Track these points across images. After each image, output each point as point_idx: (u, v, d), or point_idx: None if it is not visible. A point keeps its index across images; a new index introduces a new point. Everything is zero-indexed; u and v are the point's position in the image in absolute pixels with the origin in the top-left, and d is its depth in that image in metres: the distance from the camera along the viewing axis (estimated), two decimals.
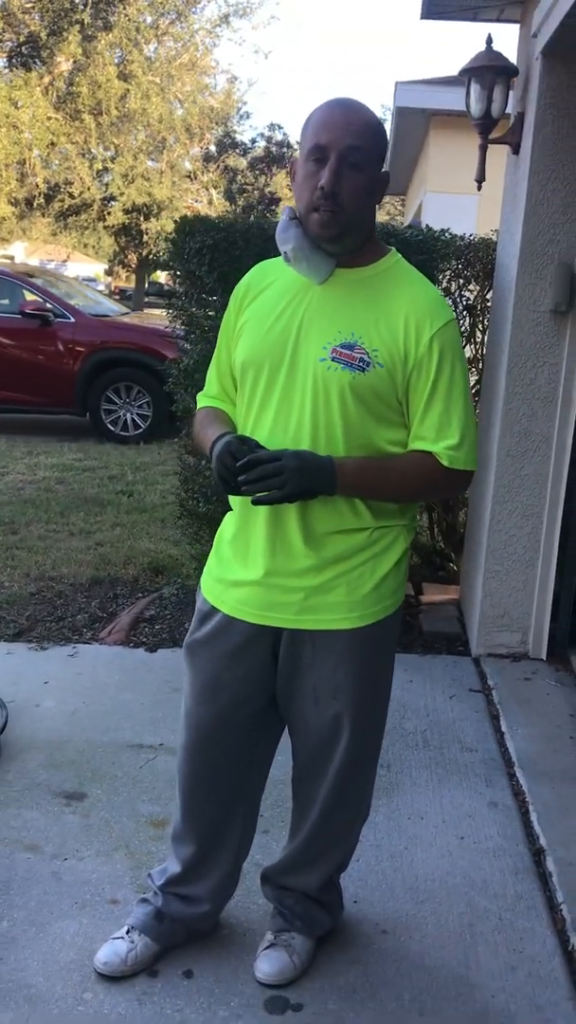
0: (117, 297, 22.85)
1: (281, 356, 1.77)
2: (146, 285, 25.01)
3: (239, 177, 25.07)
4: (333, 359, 1.72)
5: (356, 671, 1.87)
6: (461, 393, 1.76)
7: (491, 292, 4.31)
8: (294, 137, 32.63)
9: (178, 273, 4.10)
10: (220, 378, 2.00)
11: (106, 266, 35.08)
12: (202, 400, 2.04)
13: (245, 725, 1.96)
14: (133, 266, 24.24)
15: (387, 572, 1.85)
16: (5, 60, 17.24)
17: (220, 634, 1.91)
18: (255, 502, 1.71)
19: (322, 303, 1.77)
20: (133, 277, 27.10)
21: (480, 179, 3.90)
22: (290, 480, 1.67)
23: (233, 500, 1.91)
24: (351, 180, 1.68)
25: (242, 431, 1.85)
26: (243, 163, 25.61)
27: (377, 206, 1.80)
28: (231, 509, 1.94)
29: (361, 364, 1.71)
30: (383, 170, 1.76)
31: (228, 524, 1.95)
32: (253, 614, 1.85)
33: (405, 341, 1.72)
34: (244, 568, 1.86)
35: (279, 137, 26.33)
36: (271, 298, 1.83)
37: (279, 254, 1.81)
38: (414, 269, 1.82)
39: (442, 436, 1.75)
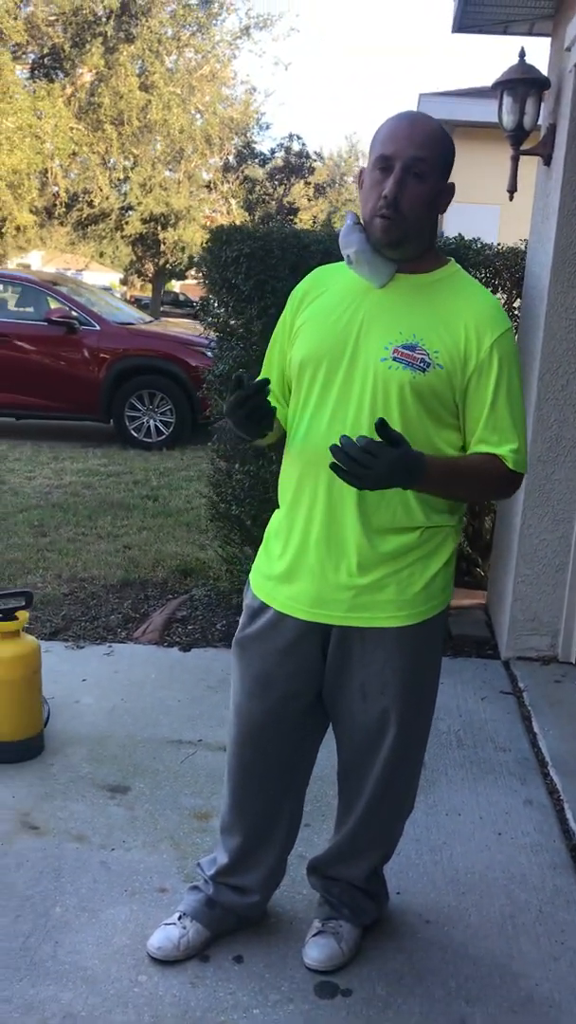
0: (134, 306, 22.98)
1: (341, 354, 1.82)
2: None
3: (258, 187, 25.20)
4: (395, 358, 1.77)
5: (404, 668, 1.91)
6: (518, 399, 1.82)
7: (519, 300, 4.38)
8: (312, 147, 32.80)
9: (212, 281, 4.17)
10: (269, 378, 2.04)
11: (121, 275, 35.29)
12: None
13: (294, 720, 2.01)
14: (149, 275, 24.40)
15: (436, 571, 1.90)
16: (28, 72, 17.43)
17: (271, 630, 1.96)
18: (332, 466, 1.63)
19: (382, 305, 1.83)
20: (148, 286, 27.28)
21: (512, 190, 3.96)
22: (374, 476, 1.62)
23: (284, 497, 1.95)
24: (413, 190, 1.75)
25: (296, 428, 1.89)
26: (262, 173, 25.75)
27: (441, 216, 1.86)
28: (263, 512, 1.98)
29: (422, 364, 1.77)
30: (448, 182, 1.82)
31: (277, 520, 1.99)
32: (304, 611, 1.90)
33: (466, 345, 1.78)
34: (295, 565, 1.90)
35: (298, 147, 26.47)
36: (331, 300, 1.89)
37: (314, 263, 1.87)
38: (473, 279, 1.88)
39: (505, 440, 1.81)
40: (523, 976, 2.11)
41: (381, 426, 1.61)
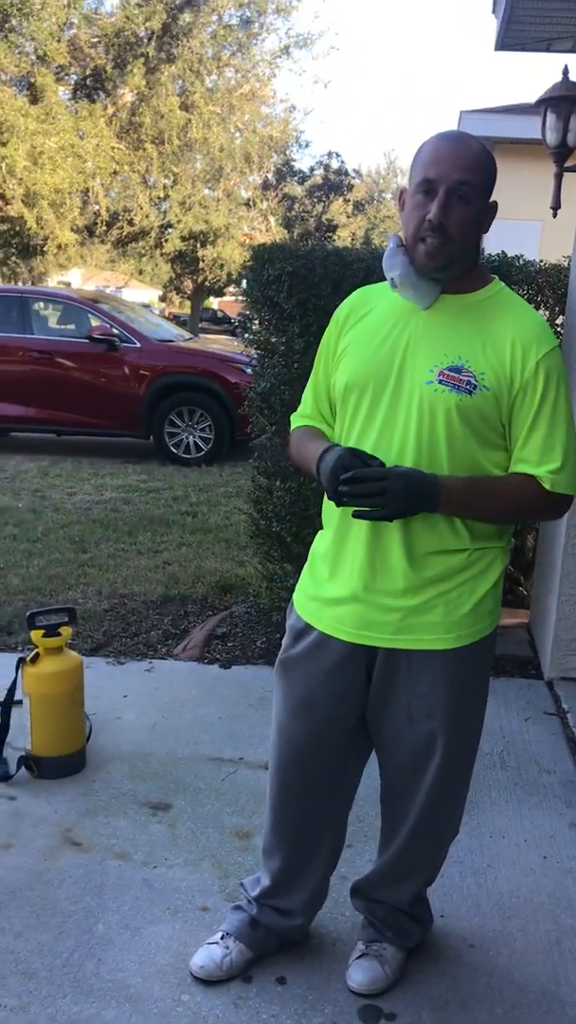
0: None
1: (386, 378, 1.82)
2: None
3: (296, 205, 25.34)
4: (440, 381, 1.76)
5: (452, 691, 1.89)
6: (564, 418, 1.79)
7: (562, 318, 4.35)
8: (351, 165, 32.93)
9: (253, 299, 4.19)
10: (316, 399, 2.04)
11: (160, 292, 35.62)
12: (296, 420, 2.09)
13: (337, 741, 2.00)
14: (188, 292, 24.60)
15: (485, 593, 1.88)
16: (71, 92, 17.70)
17: (316, 651, 1.95)
18: (355, 515, 1.75)
19: (428, 327, 1.82)
20: (186, 303, 27.50)
21: (555, 207, 3.95)
22: (392, 501, 1.70)
23: (329, 518, 1.95)
24: (458, 213, 1.74)
25: None
26: (300, 191, 25.89)
27: (484, 235, 1.85)
28: (303, 529, 1.98)
29: (468, 387, 1.76)
30: (491, 200, 1.81)
31: (323, 541, 1.98)
32: (350, 632, 1.89)
33: (512, 365, 1.76)
34: (341, 587, 1.89)
35: (336, 165, 26.60)
36: (375, 321, 1.88)
37: (356, 281, 1.87)
38: (518, 296, 1.87)
39: (545, 460, 1.78)
40: (571, 1004, 2.07)
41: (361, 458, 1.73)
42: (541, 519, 1.92)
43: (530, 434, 1.79)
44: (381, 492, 1.70)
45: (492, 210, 1.81)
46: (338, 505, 1.78)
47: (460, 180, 1.72)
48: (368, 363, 1.84)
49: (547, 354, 1.77)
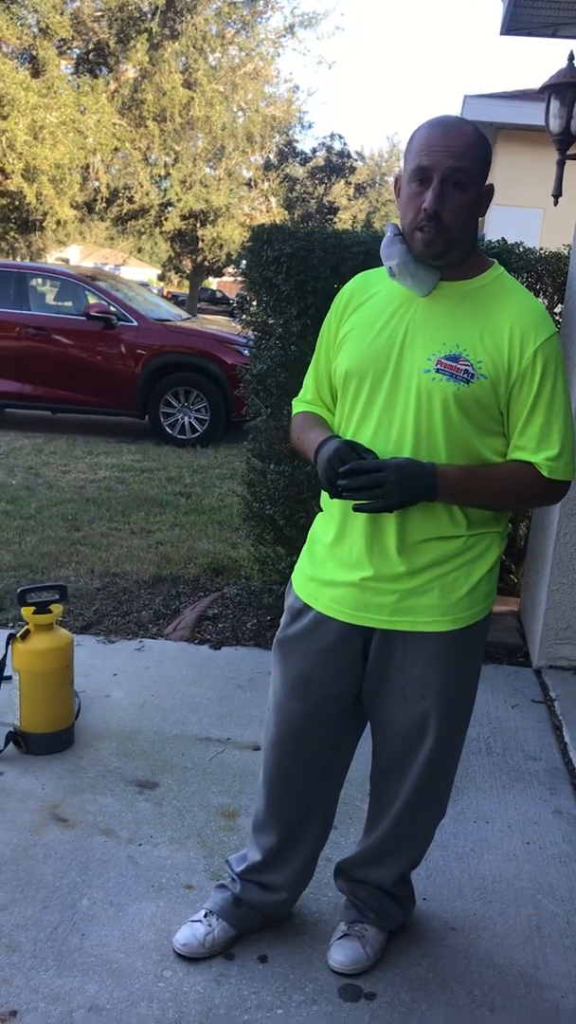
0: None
1: (385, 366, 1.82)
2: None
3: (298, 186, 25.21)
4: (438, 370, 1.77)
5: (446, 673, 1.91)
6: (562, 405, 1.80)
7: (561, 306, 4.34)
8: (354, 147, 32.73)
9: (252, 280, 4.17)
10: (317, 385, 2.05)
11: (159, 271, 35.46)
12: (297, 405, 2.10)
13: (332, 721, 2.02)
14: (187, 272, 24.50)
15: (481, 577, 1.90)
16: (73, 67, 17.55)
17: (312, 631, 1.96)
18: (356, 509, 1.77)
19: (426, 315, 1.82)
20: (185, 283, 27.39)
21: (557, 194, 3.94)
22: (390, 493, 1.72)
23: (328, 502, 1.97)
24: (454, 200, 1.73)
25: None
26: (302, 172, 25.75)
27: (481, 218, 1.85)
28: (296, 512, 1.99)
29: (466, 376, 1.76)
30: (487, 183, 1.80)
31: (322, 525, 1.99)
32: (347, 613, 1.90)
33: (509, 353, 1.77)
34: (340, 569, 1.91)
35: (339, 147, 26.44)
36: (374, 309, 1.88)
37: (355, 264, 1.87)
38: (517, 282, 1.86)
39: (542, 447, 1.79)
40: (549, 987, 2.10)
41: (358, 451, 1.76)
42: (539, 505, 1.93)
43: (528, 421, 1.79)
44: (379, 484, 1.72)
45: (488, 193, 1.80)
46: (332, 497, 1.80)
47: (454, 167, 1.71)
48: (367, 351, 1.85)
49: (545, 341, 1.77)
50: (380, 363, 1.82)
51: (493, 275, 1.84)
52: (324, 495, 1.98)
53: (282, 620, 2.05)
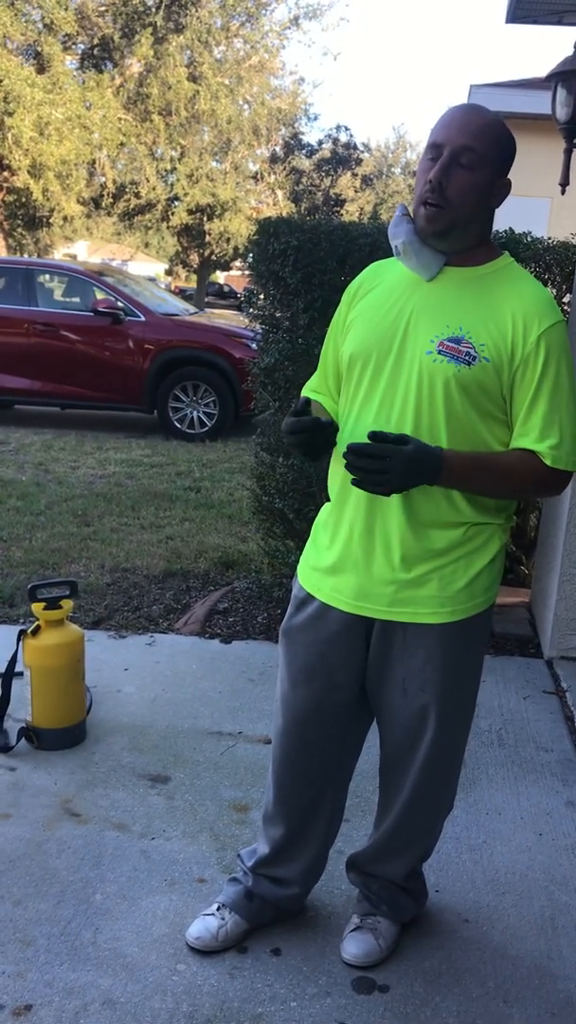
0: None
1: (388, 348, 1.82)
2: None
3: (304, 178, 25.14)
4: (440, 352, 1.76)
5: (445, 665, 1.91)
6: (566, 393, 1.78)
7: (569, 296, 4.32)
8: (360, 139, 32.61)
9: (258, 273, 4.16)
10: (323, 372, 2.06)
11: (166, 266, 35.45)
12: (304, 392, 2.10)
13: (338, 711, 2.02)
14: (194, 266, 24.48)
15: (481, 569, 1.89)
16: (78, 62, 17.53)
17: (316, 621, 1.96)
18: (354, 483, 1.73)
19: (431, 298, 1.81)
20: (192, 277, 27.37)
21: (564, 183, 3.92)
22: (394, 479, 1.69)
23: (332, 490, 1.96)
24: (460, 178, 1.73)
25: (344, 422, 1.90)
26: (308, 164, 25.68)
27: (495, 211, 1.83)
28: (306, 505, 1.99)
29: (468, 358, 1.75)
30: (506, 177, 1.78)
31: (326, 513, 1.99)
32: (347, 603, 1.91)
33: (513, 338, 1.76)
34: (340, 557, 1.91)
35: (345, 139, 26.35)
36: (381, 293, 1.88)
37: (362, 256, 1.87)
38: (526, 272, 1.85)
39: (546, 435, 1.77)
40: (563, 978, 2.09)
41: (375, 436, 1.68)
42: (541, 495, 1.91)
43: (531, 409, 1.78)
44: (383, 470, 1.68)
45: (505, 187, 1.78)
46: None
47: (464, 145, 1.71)
48: (372, 333, 1.85)
49: (550, 328, 1.76)
50: (384, 345, 1.82)
51: (502, 264, 1.84)
52: (330, 483, 1.98)
53: (288, 610, 2.05)
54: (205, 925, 2.13)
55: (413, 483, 1.74)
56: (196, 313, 10.41)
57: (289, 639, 2.03)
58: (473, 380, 1.76)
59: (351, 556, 1.89)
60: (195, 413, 8.86)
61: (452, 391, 1.76)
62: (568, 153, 3.88)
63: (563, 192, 3.96)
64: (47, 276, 9.53)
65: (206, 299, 25.15)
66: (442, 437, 1.78)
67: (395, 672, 1.93)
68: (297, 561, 4.14)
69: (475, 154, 1.72)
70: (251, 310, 4.32)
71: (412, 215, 1.82)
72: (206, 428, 8.82)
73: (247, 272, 4.38)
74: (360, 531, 1.87)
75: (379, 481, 1.70)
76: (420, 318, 1.80)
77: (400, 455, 1.69)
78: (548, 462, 1.78)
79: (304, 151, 25.35)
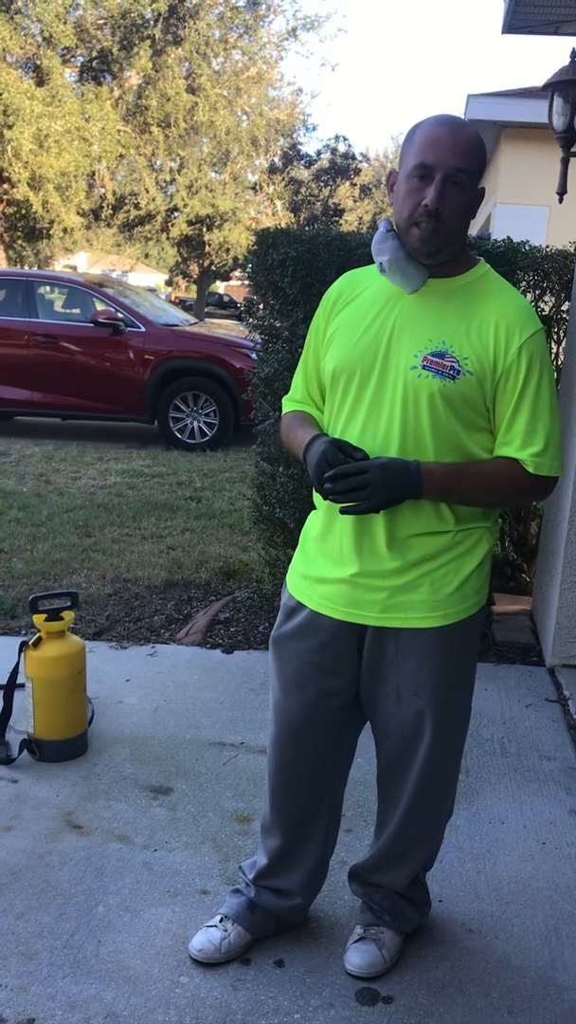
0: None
1: (372, 363, 1.83)
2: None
3: (303, 189, 25.22)
4: (424, 367, 1.77)
5: (439, 670, 1.91)
6: (548, 401, 1.80)
7: (568, 304, 4.33)
8: (358, 148, 32.71)
9: (258, 284, 4.17)
10: (306, 383, 2.05)
11: (166, 277, 35.54)
12: (287, 404, 2.10)
13: (330, 718, 2.02)
14: (194, 277, 24.55)
15: (470, 572, 1.90)
16: (77, 75, 17.61)
17: (306, 629, 1.97)
18: (343, 511, 1.78)
19: (413, 312, 1.82)
20: (192, 288, 27.44)
21: (562, 192, 3.93)
22: (376, 493, 1.73)
23: (319, 499, 1.98)
24: (454, 199, 1.74)
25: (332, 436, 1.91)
26: (307, 175, 25.76)
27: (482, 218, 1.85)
28: (306, 515, 2.00)
29: (451, 372, 1.76)
30: (480, 186, 1.81)
31: (314, 522, 2.00)
32: (338, 610, 1.91)
33: (495, 349, 1.77)
34: (331, 566, 1.91)
35: (343, 149, 26.42)
36: (362, 306, 1.89)
37: (362, 265, 1.87)
38: (503, 279, 1.87)
39: (528, 443, 1.79)
40: (567, 988, 2.08)
41: (341, 448, 1.77)
42: (526, 502, 1.93)
43: (514, 417, 1.79)
44: (364, 485, 1.74)
45: (480, 195, 1.82)
46: (324, 498, 1.82)
47: (457, 167, 1.72)
48: (355, 348, 1.85)
49: (530, 338, 1.77)
50: (367, 360, 1.83)
51: (479, 272, 1.85)
52: (315, 492, 1.99)
53: (278, 618, 2.05)
54: (208, 937, 2.12)
55: (397, 497, 1.76)
56: (196, 323, 10.43)
57: (279, 647, 2.03)
58: (457, 393, 1.77)
59: (342, 565, 1.89)
60: (195, 423, 8.87)
61: (437, 405, 1.78)
62: (565, 162, 3.89)
63: (561, 200, 3.97)
64: (47, 287, 9.56)
65: (206, 309, 25.22)
66: (428, 449, 1.80)
67: (389, 679, 1.93)
68: None
69: (467, 174, 1.74)
70: (251, 320, 4.34)
71: (398, 232, 1.82)
72: (207, 438, 8.83)
73: (247, 282, 4.39)
74: (349, 539, 1.88)
75: (362, 497, 1.74)
76: (403, 332, 1.81)
77: (376, 466, 1.73)
78: (531, 469, 1.80)
79: (303, 161, 25.43)
